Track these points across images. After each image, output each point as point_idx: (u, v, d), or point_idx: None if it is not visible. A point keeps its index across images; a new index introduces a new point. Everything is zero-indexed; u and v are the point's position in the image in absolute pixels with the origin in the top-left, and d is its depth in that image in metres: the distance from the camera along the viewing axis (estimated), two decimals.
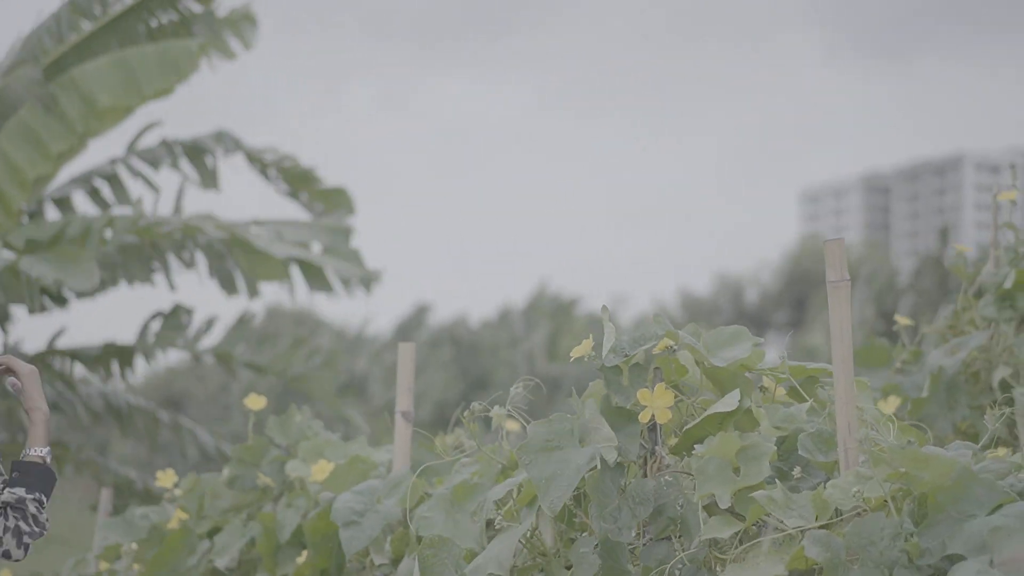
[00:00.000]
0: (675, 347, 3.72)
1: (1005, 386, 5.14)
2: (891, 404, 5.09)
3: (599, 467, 3.63)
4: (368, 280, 10.66)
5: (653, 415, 3.56)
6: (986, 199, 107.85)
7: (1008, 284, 5.20)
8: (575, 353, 3.80)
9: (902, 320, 5.98)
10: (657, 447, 3.62)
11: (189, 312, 11.04)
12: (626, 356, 3.68)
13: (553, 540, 3.81)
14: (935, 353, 5.46)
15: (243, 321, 11.31)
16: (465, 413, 4.18)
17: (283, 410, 5.57)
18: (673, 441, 3.65)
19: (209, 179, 11.12)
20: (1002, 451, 4.48)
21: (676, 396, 3.66)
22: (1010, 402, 4.99)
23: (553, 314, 48.61)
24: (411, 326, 49.07)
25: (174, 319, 11.02)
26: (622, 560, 3.62)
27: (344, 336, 48.36)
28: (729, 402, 3.51)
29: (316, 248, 10.84)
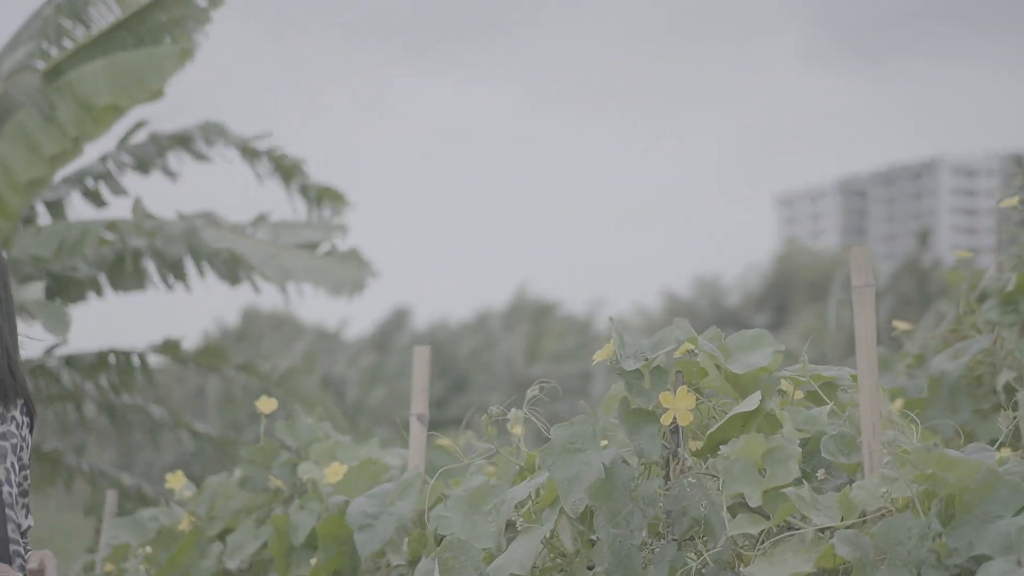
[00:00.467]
0: (695, 351, 3.77)
1: (1009, 390, 5.20)
2: (897, 408, 5.14)
3: (604, 475, 3.67)
4: (362, 282, 10.67)
5: (674, 417, 3.62)
6: (962, 203, 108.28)
7: (1011, 288, 5.27)
8: (597, 357, 3.85)
9: (901, 325, 6.05)
10: (680, 449, 3.67)
11: (182, 349, 11.12)
12: (646, 360, 3.73)
13: (572, 542, 3.85)
14: (938, 357, 5.52)
15: (246, 334, 11.36)
16: (483, 416, 4.23)
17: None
18: (696, 445, 3.70)
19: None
20: (1006, 452, 4.54)
21: (697, 399, 3.71)
22: (1015, 406, 5.05)
23: (535, 317, 48.66)
24: (390, 329, 49.04)
25: (170, 344, 11.14)
26: (636, 564, 3.66)
27: (322, 338, 48.29)
28: (751, 402, 3.57)
29: (310, 253, 10.87)
